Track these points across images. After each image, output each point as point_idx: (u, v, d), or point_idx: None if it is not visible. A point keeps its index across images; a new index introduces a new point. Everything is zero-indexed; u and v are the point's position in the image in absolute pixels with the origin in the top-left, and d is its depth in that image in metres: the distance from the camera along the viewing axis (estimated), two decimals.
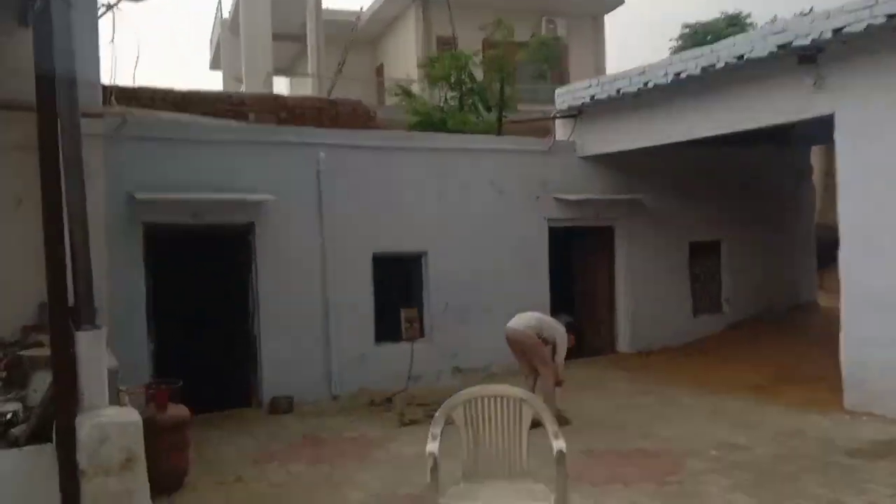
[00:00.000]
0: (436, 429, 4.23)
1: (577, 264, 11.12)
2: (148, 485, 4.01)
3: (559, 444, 4.02)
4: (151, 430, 5.66)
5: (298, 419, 7.86)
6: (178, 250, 10.29)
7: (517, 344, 7.33)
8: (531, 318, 7.40)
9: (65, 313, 3.99)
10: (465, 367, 9.46)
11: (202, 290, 11.25)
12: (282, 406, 8.14)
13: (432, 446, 4.04)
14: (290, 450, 6.72)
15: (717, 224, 11.77)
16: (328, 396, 8.62)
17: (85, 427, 3.80)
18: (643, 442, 6.61)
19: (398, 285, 9.42)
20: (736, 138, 9.34)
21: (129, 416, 4.16)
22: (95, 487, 3.84)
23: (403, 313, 9.25)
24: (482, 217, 9.68)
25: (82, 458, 3.77)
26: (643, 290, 10.90)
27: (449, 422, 4.30)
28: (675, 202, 11.19)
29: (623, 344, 10.90)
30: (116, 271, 7.18)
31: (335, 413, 8.08)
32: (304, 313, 8.56)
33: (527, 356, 7.38)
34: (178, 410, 5.84)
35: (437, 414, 4.36)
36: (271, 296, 8.40)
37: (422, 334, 9.34)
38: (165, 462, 5.62)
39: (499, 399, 4.38)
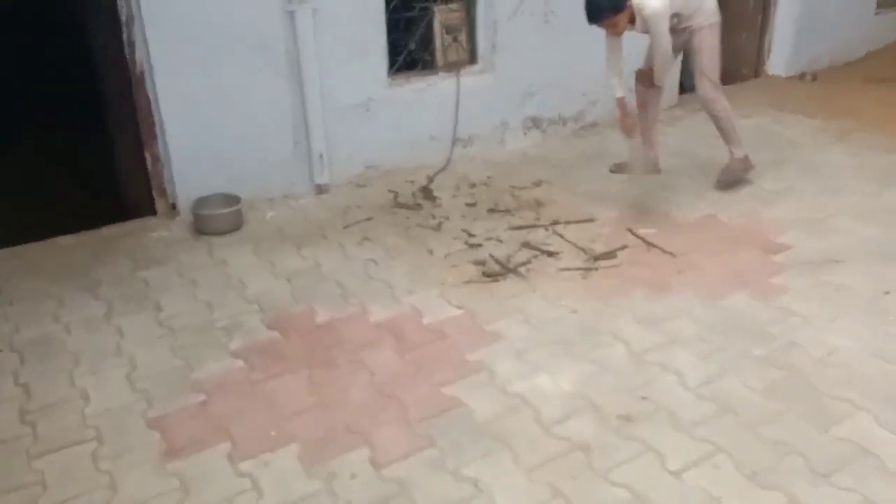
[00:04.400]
0: None
1: None
2: None
3: None
4: None
5: (253, 251, 3.78)
6: None
7: None
8: None
9: None
10: (547, 115, 5.25)
11: None
12: (217, 221, 3.99)
13: None
14: (246, 394, 2.75)
15: None
16: (308, 188, 4.46)
17: None
18: None
19: None
20: None
21: None
22: None
23: (439, 16, 4.77)
24: None
25: None
26: None
27: None
28: None
29: (776, 63, 6.67)
30: None
31: (327, 228, 4.01)
32: (244, 18, 4.00)
33: None
34: None
35: None
36: None
37: (473, 58, 4.94)
38: None
39: None
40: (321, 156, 4.37)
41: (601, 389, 2.67)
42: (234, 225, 4.00)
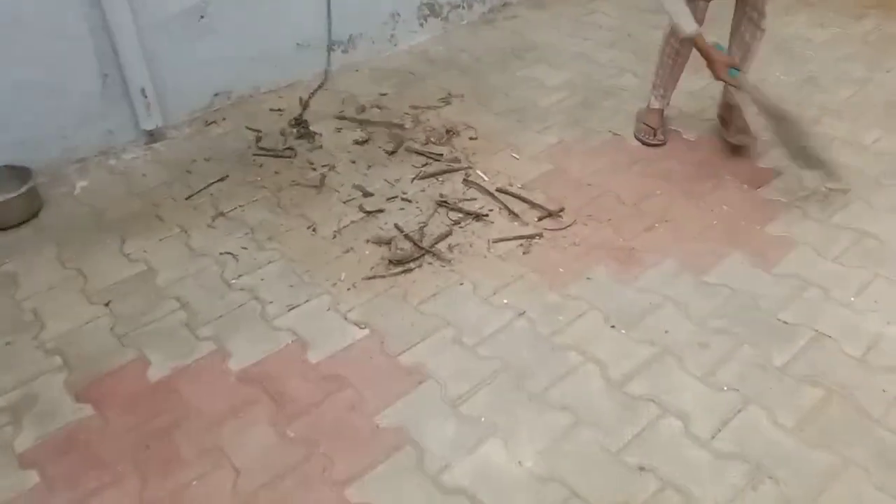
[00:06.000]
0: None
1: None
2: None
3: None
4: None
5: (56, 254, 2.62)
6: None
7: None
8: None
9: None
10: None
11: None
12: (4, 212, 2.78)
13: None
14: None
15: None
16: (134, 137, 3.23)
17: None
18: None
19: None
20: None
21: None
22: None
23: None
24: None
25: None
26: None
27: None
28: None
29: None
30: None
31: (163, 200, 2.87)
32: None
33: None
34: None
35: None
36: None
37: None
38: None
39: None
40: (143, 90, 3.13)
41: (580, 459, 1.83)
42: (28, 212, 2.80)
